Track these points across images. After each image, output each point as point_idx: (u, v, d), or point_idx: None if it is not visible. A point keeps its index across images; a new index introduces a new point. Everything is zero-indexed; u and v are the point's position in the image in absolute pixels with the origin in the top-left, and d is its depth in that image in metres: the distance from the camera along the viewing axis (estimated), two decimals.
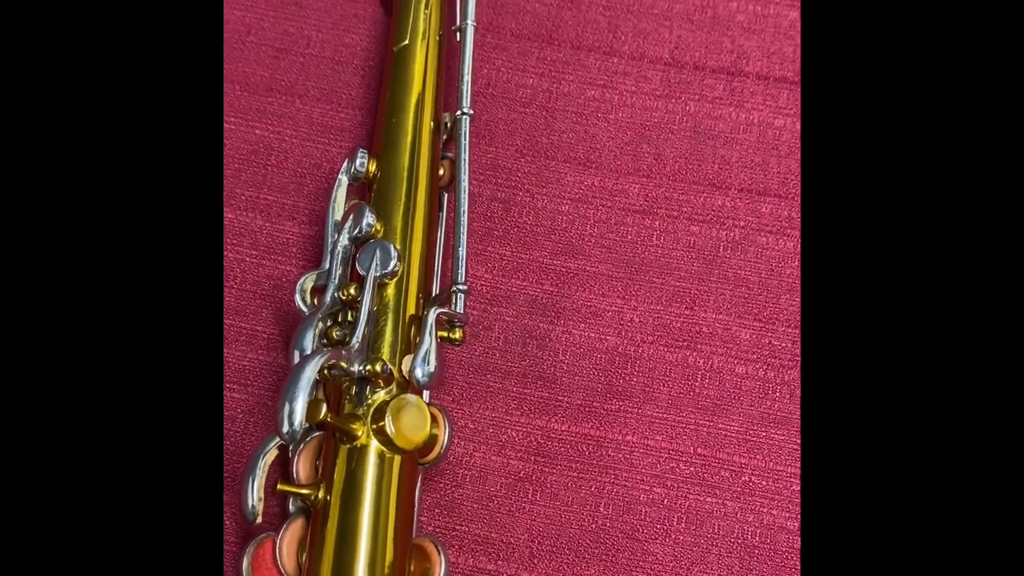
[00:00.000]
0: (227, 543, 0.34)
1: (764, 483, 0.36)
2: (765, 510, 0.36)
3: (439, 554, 0.31)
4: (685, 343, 0.38)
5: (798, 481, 0.36)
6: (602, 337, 0.38)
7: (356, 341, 0.32)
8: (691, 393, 0.37)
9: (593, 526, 0.35)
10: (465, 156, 0.36)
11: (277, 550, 0.31)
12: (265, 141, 0.42)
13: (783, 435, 0.37)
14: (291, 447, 0.32)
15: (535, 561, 0.35)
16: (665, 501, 0.36)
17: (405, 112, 0.37)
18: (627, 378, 0.38)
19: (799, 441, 0.36)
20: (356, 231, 0.34)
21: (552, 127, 0.42)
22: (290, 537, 0.31)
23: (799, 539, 0.35)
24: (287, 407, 0.28)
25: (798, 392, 0.37)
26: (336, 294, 0.33)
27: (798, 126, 0.43)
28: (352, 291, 0.33)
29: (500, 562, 0.35)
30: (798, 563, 0.35)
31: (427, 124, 0.38)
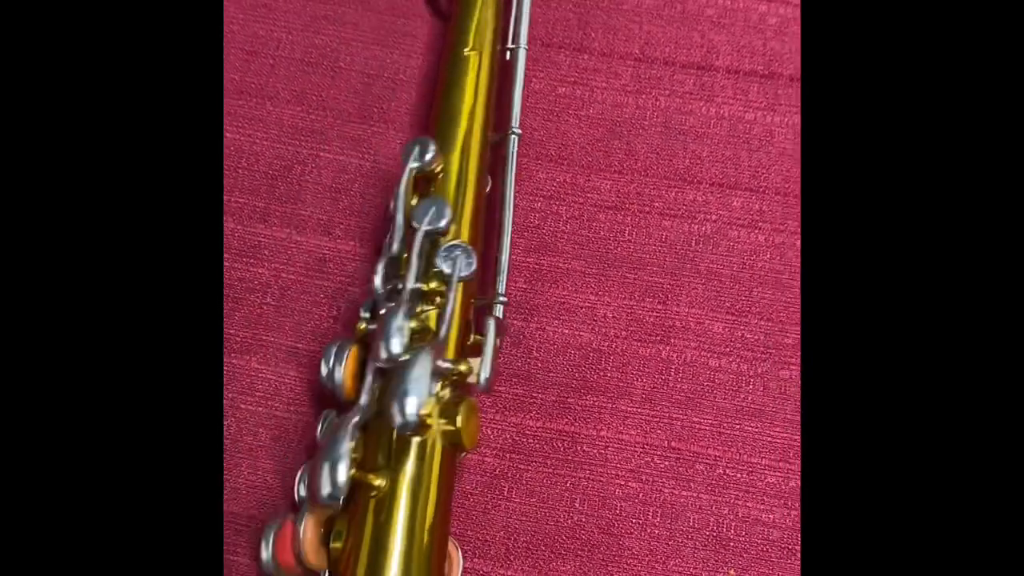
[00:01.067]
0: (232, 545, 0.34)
1: (739, 476, 0.36)
2: (740, 503, 0.36)
3: (457, 554, 0.32)
4: (658, 337, 0.38)
5: (772, 473, 0.36)
6: (576, 333, 0.38)
7: (439, 340, 0.32)
8: (665, 387, 0.37)
9: (569, 522, 0.35)
10: (511, 173, 0.38)
11: (300, 536, 0.30)
12: (236, 144, 0.41)
13: (757, 427, 0.37)
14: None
15: (511, 558, 0.35)
16: (640, 495, 0.36)
17: (458, 120, 0.38)
18: (601, 373, 0.38)
19: (773, 433, 0.37)
20: (431, 227, 0.34)
21: (523, 124, 0.42)
22: (312, 523, 0.31)
23: (774, 531, 0.35)
24: (405, 399, 0.29)
25: (771, 384, 0.37)
26: (417, 287, 0.33)
27: (768, 120, 0.43)
28: (432, 286, 0.33)
29: (476, 559, 0.35)
30: (773, 555, 0.35)
31: (479, 135, 0.38)
